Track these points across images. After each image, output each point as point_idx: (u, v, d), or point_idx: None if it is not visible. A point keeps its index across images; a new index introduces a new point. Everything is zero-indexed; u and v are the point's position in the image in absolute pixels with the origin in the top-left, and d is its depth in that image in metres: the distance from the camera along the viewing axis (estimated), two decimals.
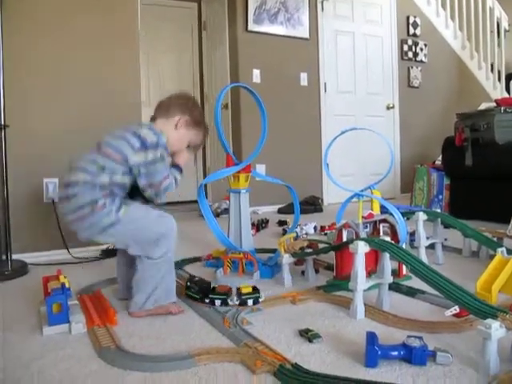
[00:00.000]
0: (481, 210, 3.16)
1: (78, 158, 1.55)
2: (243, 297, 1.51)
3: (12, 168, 2.28)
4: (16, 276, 2.08)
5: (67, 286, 1.48)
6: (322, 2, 4.90)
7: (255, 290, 1.54)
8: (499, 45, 5.87)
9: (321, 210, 4.24)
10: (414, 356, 1.06)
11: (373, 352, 1.06)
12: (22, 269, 2.16)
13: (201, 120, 1.72)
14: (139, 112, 2.70)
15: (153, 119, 1.68)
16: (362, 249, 1.38)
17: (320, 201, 4.43)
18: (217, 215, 3.94)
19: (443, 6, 5.71)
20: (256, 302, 1.51)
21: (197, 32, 5.59)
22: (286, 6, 4.69)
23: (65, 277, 1.55)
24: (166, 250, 1.51)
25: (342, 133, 1.95)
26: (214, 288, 1.58)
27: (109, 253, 2.43)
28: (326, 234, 2.82)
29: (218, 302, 1.53)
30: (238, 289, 1.54)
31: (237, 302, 1.51)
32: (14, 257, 2.25)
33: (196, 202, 1.83)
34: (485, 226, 2.34)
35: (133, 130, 1.53)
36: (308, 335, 1.24)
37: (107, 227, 1.45)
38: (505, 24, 5.99)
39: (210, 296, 1.55)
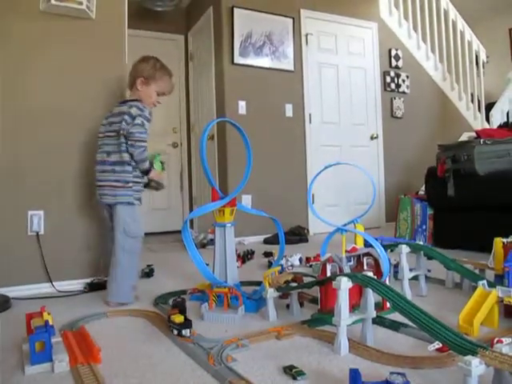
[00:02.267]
0: (464, 240, 3.21)
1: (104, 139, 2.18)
2: (169, 323, 1.63)
3: None
4: None
5: (51, 323, 1.47)
6: (307, 36, 5.03)
7: (186, 321, 1.61)
8: (478, 76, 6.05)
9: (306, 241, 4.25)
10: None
11: None
12: (4, 303, 2.13)
13: (153, 72, 2.17)
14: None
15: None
16: (344, 285, 1.40)
17: (306, 231, 4.45)
18: (202, 246, 3.94)
19: (424, 39, 5.89)
20: (179, 334, 1.57)
21: (183, 63, 5.68)
22: (270, 39, 4.80)
23: (48, 313, 1.54)
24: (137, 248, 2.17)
25: (326, 168, 1.99)
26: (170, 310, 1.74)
27: (94, 286, 2.42)
28: (311, 266, 2.83)
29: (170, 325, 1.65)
30: (170, 316, 1.65)
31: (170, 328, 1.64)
32: None
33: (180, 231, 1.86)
34: (468, 256, 2.39)
35: (124, 112, 2.10)
36: (292, 372, 1.24)
37: (125, 203, 2.10)
38: (483, 56, 6.18)
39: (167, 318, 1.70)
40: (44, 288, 2.41)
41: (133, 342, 1.60)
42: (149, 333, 1.69)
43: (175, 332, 1.59)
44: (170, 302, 2.08)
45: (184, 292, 2.26)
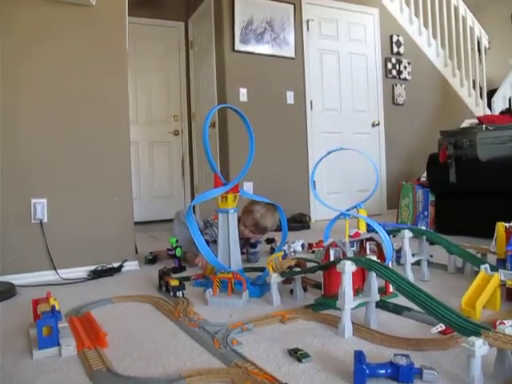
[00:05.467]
0: (466, 226, 3.22)
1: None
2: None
3: None
4: (3, 298, 2.06)
5: (57, 308, 1.48)
6: (308, 22, 5.00)
7: (181, 283, 1.95)
8: (480, 62, 6.01)
9: (308, 227, 4.26)
10: (401, 374, 1.08)
11: (361, 371, 1.08)
12: (9, 291, 2.15)
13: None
14: (127, 131, 2.70)
15: None
16: (348, 268, 1.41)
17: (307, 218, 4.46)
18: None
19: (425, 25, 5.86)
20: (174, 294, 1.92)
21: (184, 51, 5.64)
22: (271, 25, 4.78)
23: (54, 299, 1.55)
24: None
25: (329, 153, 1.99)
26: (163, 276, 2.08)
27: (98, 273, 2.44)
28: (313, 252, 2.85)
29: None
30: (168, 281, 1.98)
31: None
32: (1, 278, 2.24)
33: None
34: (470, 242, 2.39)
35: None
36: (297, 355, 1.25)
37: None
38: (485, 42, 6.14)
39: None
40: (48, 276, 2.42)
41: (138, 326, 1.61)
42: (154, 318, 1.71)
43: (171, 294, 1.93)
44: None
45: (187, 278, 2.27)
